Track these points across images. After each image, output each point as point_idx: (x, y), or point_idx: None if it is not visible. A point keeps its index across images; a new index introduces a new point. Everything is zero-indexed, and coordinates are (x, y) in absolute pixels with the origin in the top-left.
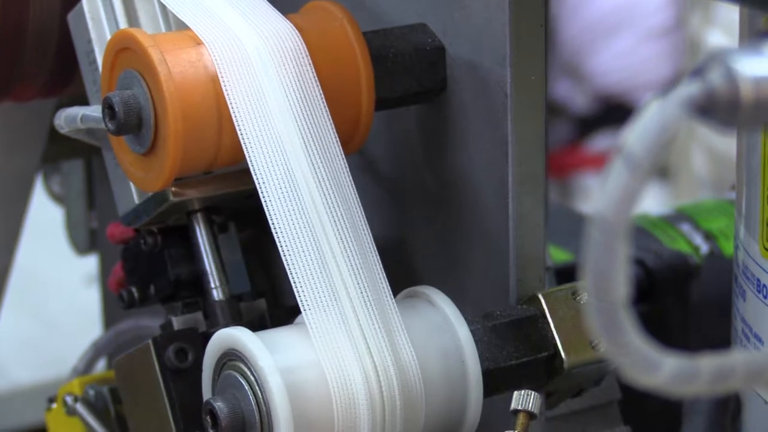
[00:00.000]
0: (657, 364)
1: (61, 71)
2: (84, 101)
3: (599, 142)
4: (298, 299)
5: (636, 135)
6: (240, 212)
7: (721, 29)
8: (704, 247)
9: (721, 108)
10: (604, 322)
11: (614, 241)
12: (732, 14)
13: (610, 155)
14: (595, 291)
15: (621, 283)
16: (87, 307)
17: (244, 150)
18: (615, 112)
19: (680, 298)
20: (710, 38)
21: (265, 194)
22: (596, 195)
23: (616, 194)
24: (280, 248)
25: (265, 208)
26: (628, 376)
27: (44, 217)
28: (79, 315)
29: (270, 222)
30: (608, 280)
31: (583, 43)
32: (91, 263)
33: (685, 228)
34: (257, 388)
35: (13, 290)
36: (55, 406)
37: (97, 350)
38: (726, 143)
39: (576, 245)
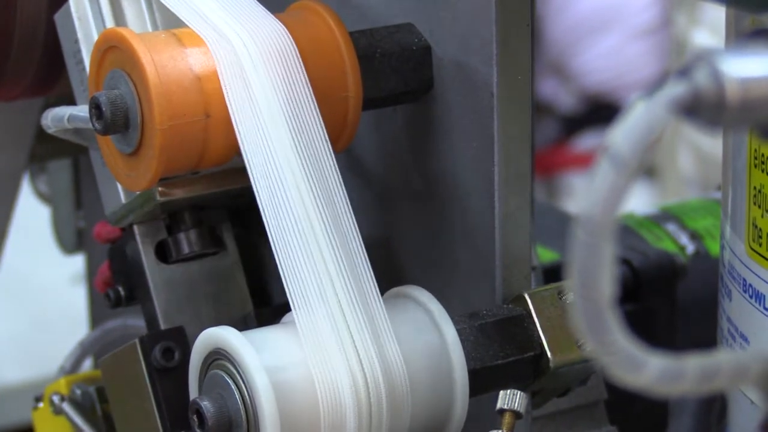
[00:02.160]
0: (642, 364)
1: (48, 71)
2: (71, 101)
3: (585, 141)
4: (289, 297)
5: (622, 134)
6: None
7: (707, 28)
8: (690, 247)
9: (706, 108)
10: (590, 321)
11: (600, 241)
12: (718, 14)
13: (596, 155)
14: (581, 290)
15: (607, 283)
16: (76, 306)
17: (241, 148)
18: (601, 111)
19: (666, 297)
20: (696, 37)
21: (258, 192)
22: (582, 195)
23: (602, 194)
24: (273, 246)
25: (260, 207)
26: (614, 375)
27: (33, 216)
28: (69, 314)
29: (264, 221)
30: (594, 280)
31: (570, 42)
32: (78, 263)
33: (671, 227)
34: (243, 387)
35: (2, 290)
36: (41, 405)
37: (83, 349)
38: (712, 143)
39: (563, 245)
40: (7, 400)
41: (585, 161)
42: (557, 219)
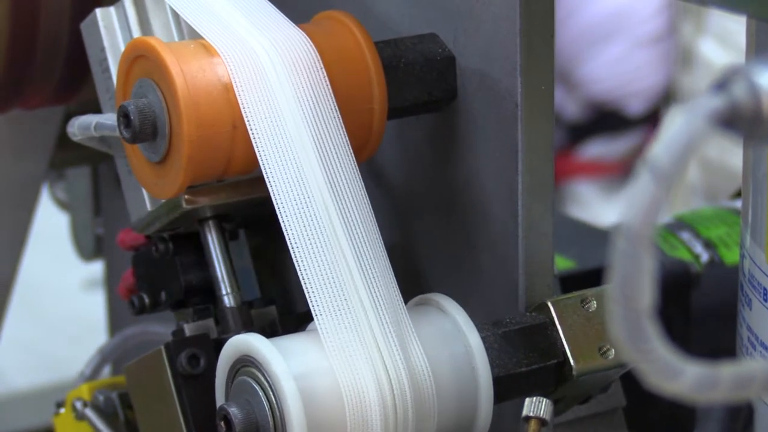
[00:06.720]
0: (679, 372)
1: (71, 79)
2: (92, 108)
3: (591, 149)
4: (310, 306)
5: (662, 147)
6: (251, 219)
7: (714, 37)
8: (704, 256)
9: (744, 121)
10: (629, 329)
11: (640, 251)
12: (724, 22)
13: (606, 164)
14: (621, 298)
15: (646, 291)
16: (85, 312)
17: (259, 159)
18: (607, 119)
19: (681, 306)
20: (702, 46)
21: (279, 202)
22: (623, 205)
23: (643, 205)
24: (293, 256)
25: (279, 216)
26: (651, 382)
27: (42, 222)
28: (77, 320)
29: (284, 229)
30: (633, 288)
31: (576, 50)
32: (89, 269)
33: (685, 236)
34: (271, 394)
35: (14, 295)
36: (63, 410)
37: (103, 356)
38: (718, 152)
39: (575, 252)
40: (17, 406)
41: (590, 169)
42: (570, 227)
